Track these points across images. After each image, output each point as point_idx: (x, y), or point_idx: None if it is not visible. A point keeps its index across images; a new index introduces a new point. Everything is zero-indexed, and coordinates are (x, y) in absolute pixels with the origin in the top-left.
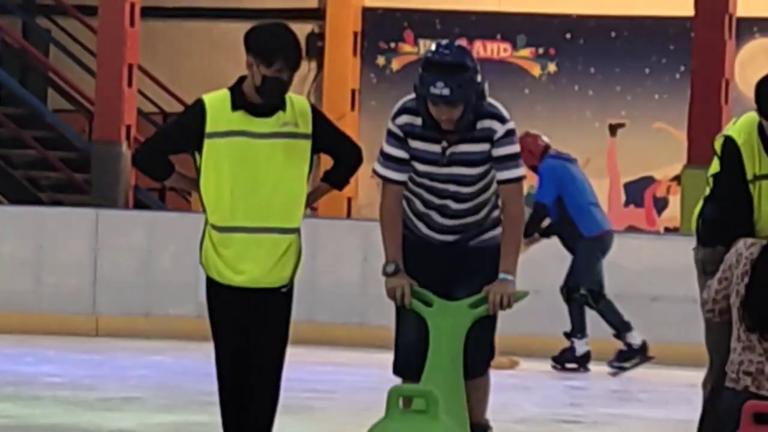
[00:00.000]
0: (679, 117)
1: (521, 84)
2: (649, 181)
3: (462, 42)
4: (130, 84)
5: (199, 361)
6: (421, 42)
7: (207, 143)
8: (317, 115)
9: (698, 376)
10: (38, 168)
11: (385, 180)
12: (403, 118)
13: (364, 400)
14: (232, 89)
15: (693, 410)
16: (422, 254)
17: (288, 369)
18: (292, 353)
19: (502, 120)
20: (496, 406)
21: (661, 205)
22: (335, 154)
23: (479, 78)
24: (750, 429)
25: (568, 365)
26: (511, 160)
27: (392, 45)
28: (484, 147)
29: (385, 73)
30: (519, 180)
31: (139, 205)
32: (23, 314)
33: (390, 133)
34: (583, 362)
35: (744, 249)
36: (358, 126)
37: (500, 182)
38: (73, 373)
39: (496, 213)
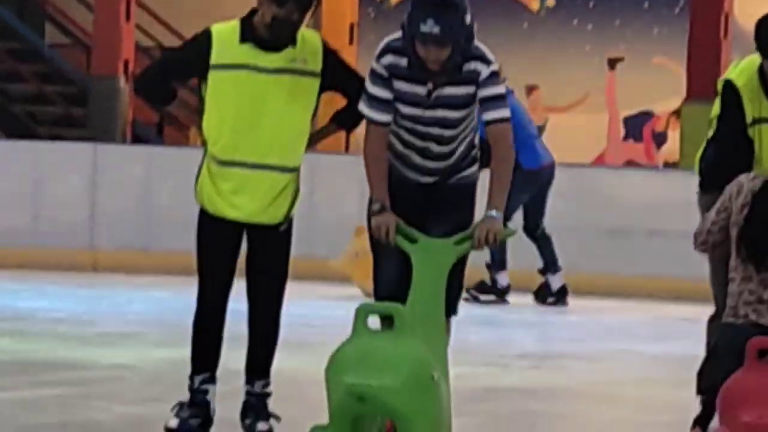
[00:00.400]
0: (678, 51)
1: (519, 18)
2: (648, 115)
3: None
4: (128, 18)
5: None
6: None
7: (212, 75)
8: (329, 53)
9: (696, 310)
10: (36, 102)
11: (370, 121)
12: (388, 58)
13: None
14: (243, 21)
15: (692, 345)
16: (399, 193)
17: (286, 304)
18: (290, 289)
19: (487, 62)
20: (496, 341)
21: (660, 139)
22: (346, 92)
23: (469, 19)
24: (754, 365)
25: (484, 297)
26: (497, 100)
27: None
28: (469, 89)
29: (383, 8)
30: (506, 120)
31: (138, 139)
32: (21, 249)
33: (374, 73)
34: (560, 296)
35: (746, 181)
36: (357, 60)
37: (488, 123)
38: (72, 308)
39: (474, 152)
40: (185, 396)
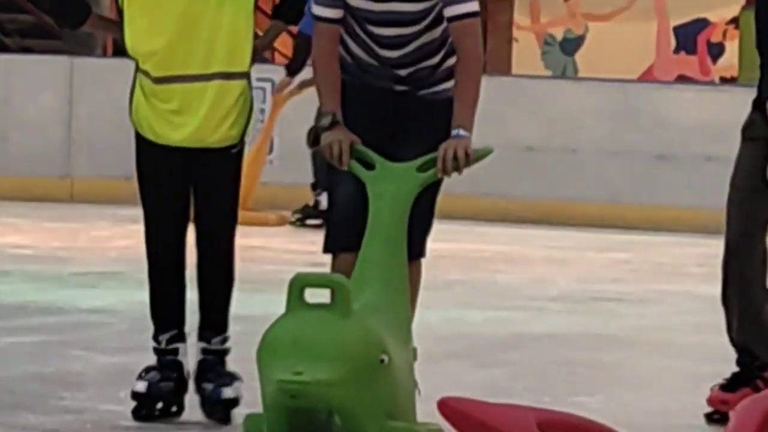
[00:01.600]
0: None
1: None
2: (702, 23)
3: None
4: None
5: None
6: None
7: None
8: None
9: None
10: (4, 10)
11: (317, 18)
12: None
13: None
14: None
15: None
16: (363, 102)
17: (253, 239)
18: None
19: None
20: (528, 281)
21: (716, 51)
22: None
23: None
24: None
25: (310, 221)
26: None
27: None
28: None
29: None
30: (471, 16)
31: (120, 52)
32: None
33: None
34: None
35: None
36: None
37: (449, 20)
38: (44, 244)
39: (450, 61)
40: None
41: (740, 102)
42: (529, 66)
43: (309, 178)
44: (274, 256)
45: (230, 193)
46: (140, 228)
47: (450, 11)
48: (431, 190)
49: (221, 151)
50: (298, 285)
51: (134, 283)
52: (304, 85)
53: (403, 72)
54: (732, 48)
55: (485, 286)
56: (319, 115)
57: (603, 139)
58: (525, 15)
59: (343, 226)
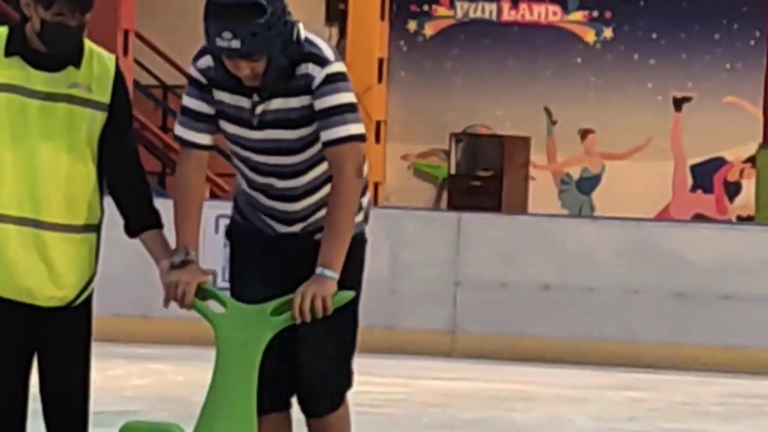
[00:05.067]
0: (753, 89)
1: (573, 51)
2: (719, 162)
3: (506, 4)
4: (125, 53)
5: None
6: (458, 4)
7: None
8: (120, 85)
9: None
10: None
11: (180, 142)
12: (207, 60)
13: (395, 414)
14: (12, 28)
15: None
16: (255, 251)
17: None
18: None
19: (322, 62)
20: (545, 420)
21: (733, 190)
22: (110, 163)
23: (286, 18)
24: None
25: None
26: (334, 114)
27: (425, 8)
28: (304, 101)
29: (417, 40)
30: (346, 140)
31: None
32: None
33: (190, 80)
34: None
35: None
36: (386, 100)
37: (324, 144)
38: None
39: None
40: None
41: (758, 240)
42: (545, 205)
43: None
44: None
45: (77, 359)
46: (157, 367)
47: (327, 135)
48: (336, 326)
49: (63, 309)
50: None
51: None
52: None
53: (288, 211)
54: (749, 186)
55: (503, 426)
56: (173, 251)
57: (620, 278)
58: (542, 154)
59: (264, 386)
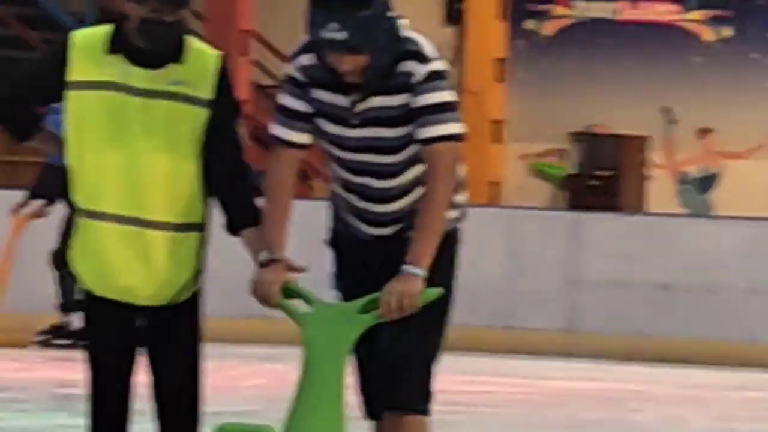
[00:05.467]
0: None
1: (691, 50)
2: None
3: (624, 3)
4: (244, 53)
5: None
6: (576, 3)
7: (69, 95)
8: (224, 81)
9: None
10: None
11: (275, 140)
12: (306, 57)
13: (511, 414)
14: (116, 26)
15: None
16: (355, 257)
17: None
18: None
19: (424, 59)
20: (663, 420)
21: None
22: (212, 160)
23: (389, 12)
24: None
25: (60, 342)
26: (433, 112)
27: (543, 7)
28: (404, 98)
29: (534, 39)
30: (442, 139)
31: None
32: None
33: (287, 78)
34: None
35: None
36: (505, 100)
37: (420, 143)
38: None
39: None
40: None
41: None
42: (664, 204)
43: (38, 304)
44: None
45: (187, 355)
46: (274, 367)
47: (423, 133)
48: (423, 328)
49: (168, 309)
50: None
51: (268, 422)
52: (35, 214)
53: (384, 212)
54: None
55: (621, 426)
56: (260, 251)
57: (739, 277)
58: (660, 153)
59: (364, 392)
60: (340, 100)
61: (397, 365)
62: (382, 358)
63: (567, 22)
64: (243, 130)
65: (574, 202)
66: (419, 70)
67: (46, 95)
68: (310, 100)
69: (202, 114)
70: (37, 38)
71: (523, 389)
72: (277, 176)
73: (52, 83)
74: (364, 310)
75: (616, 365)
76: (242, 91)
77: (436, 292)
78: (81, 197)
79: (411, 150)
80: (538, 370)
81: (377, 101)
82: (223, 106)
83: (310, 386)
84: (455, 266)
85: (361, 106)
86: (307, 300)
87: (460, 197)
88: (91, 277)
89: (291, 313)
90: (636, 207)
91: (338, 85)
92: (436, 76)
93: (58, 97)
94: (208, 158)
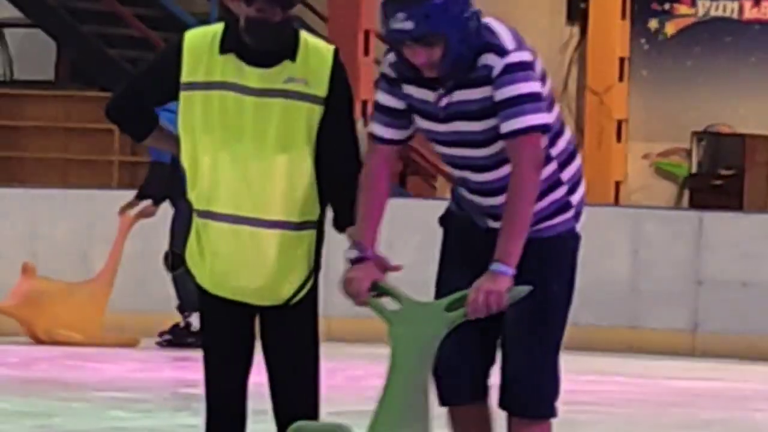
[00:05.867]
0: None
1: None
2: None
3: (748, 2)
4: (366, 53)
5: None
6: (700, 3)
7: (182, 96)
8: (339, 76)
9: None
10: None
11: (370, 137)
12: (393, 54)
13: (635, 414)
14: (227, 25)
15: None
16: (461, 241)
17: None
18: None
19: (501, 52)
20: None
21: None
22: (325, 157)
23: (465, 4)
24: None
25: (181, 341)
26: (512, 105)
27: (666, 6)
28: (485, 92)
29: (657, 39)
30: (522, 132)
31: None
32: None
33: (381, 76)
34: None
35: None
36: (627, 99)
37: (504, 136)
38: None
39: (559, 191)
40: None
41: None
42: None
43: (154, 303)
44: None
45: (302, 351)
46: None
47: (505, 127)
48: (536, 329)
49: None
50: None
51: None
52: (142, 214)
53: (491, 205)
54: None
55: (744, 426)
56: (350, 246)
57: None
58: None
59: (447, 378)
60: (427, 94)
61: (522, 383)
62: (508, 376)
63: (690, 21)
64: (360, 127)
65: (696, 201)
66: (498, 63)
67: (162, 96)
68: (403, 96)
69: (317, 111)
70: (160, 39)
71: (645, 389)
72: (373, 173)
73: (167, 84)
74: (452, 307)
75: (740, 364)
76: (365, 90)
77: (522, 290)
78: (197, 197)
79: (501, 144)
80: (661, 369)
81: (460, 95)
82: (338, 103)
83: (398, 383)
84: (571, 267)
85: (446, 100)
86: (396, 298)
87: (575, 197)
88: (207, 277)
89: (379, 310)
90: (759, 206)
91: (424, 80)
92: (515, 68)
93: (174, 97)
94: (322, 155)
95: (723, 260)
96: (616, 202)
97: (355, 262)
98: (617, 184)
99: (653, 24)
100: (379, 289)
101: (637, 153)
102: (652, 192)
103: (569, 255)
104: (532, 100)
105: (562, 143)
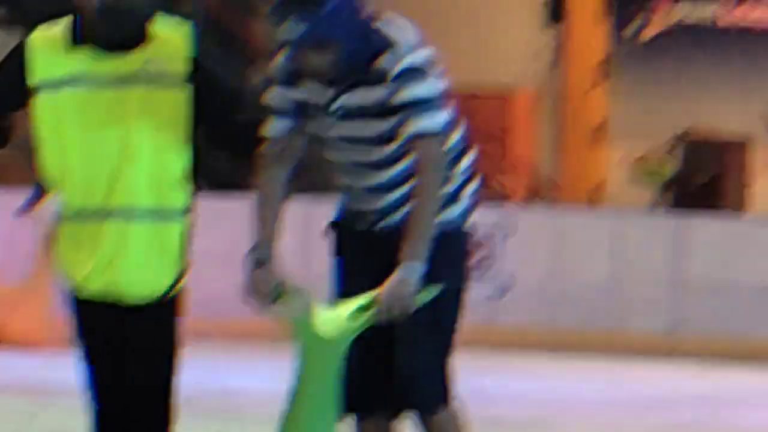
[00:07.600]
0: None
1: None
2: None
3: (724, 9)
4: None
5: None
6: (678, 6)
7: (38, 99)
8: (195, 48)
9: None
10: None
11: (265, 138)
12: (285, 55)
13: (610, 417)
14: (75, 17)
15: None
16: (352, 246)
17: (524, 378)
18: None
19: (398, 53)
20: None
21: None
22: (208, 114)
23: (356, 7)
24: None
25: None
26: (411, 107)
27: (645, 10)
28: (380, 93)
29: (636, 42)
30: (426, 133)
31: None
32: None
33: (272, 79)
34: None
35: None
36: (606, 102)
37: (404, 138)
38: None
39: (448, 187)
40: None
41: None
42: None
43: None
44: None
45: (163, 352)
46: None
47: (406, 128)
48: (433, 323)
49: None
50: None
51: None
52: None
53: (385, 203)
54: None
55: (725, 428)
56: (250, 249)
57: None
58: (763, 156)
59: (350, 389)
60: (321, 95)
61: (412, 377)
62: (398, 372)
63: (668, 25)
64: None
65: (676, 204)
66: (395, 64)
67: (12, 104)
68: (297, 96)
69: (183, 90)
70: None
71: (624, 391)
72: (269, 175)
73: (16, 90)
74: (359, 311)
75: (719, 366)
76: None
77: (431, 291)
78: (66, 197)
79: (393, 146)
80: (642, 371)
81: (354, 96)
82: (204, 73)
83: (303, 388)
84: (461, 263)
85: (339, 102)
86: (301, 300)
87: (465, 192)
88: (84, 276)
89: (283, 314)
90: (738, 209)
91: (320, 81)
92: (412, 70)
93: (24, 104)
94: (206, 122)
95: (703, 262)
96: (596, 205)
97: (256, 266)
98: (597, 187)
99: (632, 28)
100: (284, 291)
101: (616, 156)
102: (631, 194)
103: (457, 252)
104: (431, 100)
105: (454, 139)
